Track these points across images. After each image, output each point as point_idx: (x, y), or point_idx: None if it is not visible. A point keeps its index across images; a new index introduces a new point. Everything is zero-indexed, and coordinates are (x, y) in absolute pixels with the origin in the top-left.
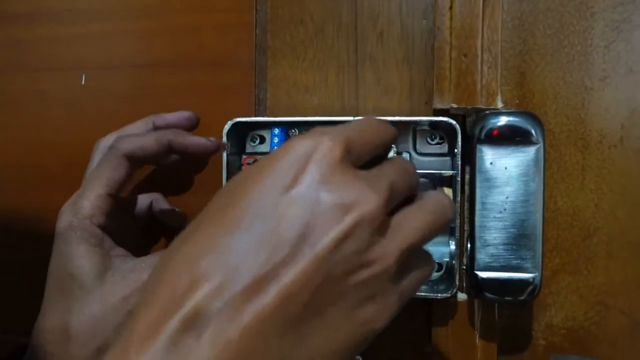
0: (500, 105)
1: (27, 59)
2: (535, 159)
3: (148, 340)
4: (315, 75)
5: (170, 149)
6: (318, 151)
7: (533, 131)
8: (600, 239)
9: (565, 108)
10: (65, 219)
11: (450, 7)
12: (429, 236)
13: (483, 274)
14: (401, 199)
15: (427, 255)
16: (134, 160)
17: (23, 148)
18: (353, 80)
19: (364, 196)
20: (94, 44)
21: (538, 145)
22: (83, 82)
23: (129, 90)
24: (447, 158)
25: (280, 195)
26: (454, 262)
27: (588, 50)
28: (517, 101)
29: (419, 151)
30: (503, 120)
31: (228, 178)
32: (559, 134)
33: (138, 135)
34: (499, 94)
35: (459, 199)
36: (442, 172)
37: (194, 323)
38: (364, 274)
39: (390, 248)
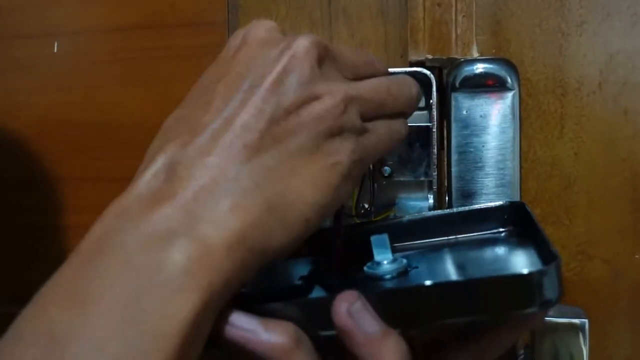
0: (475, 54)
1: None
2: (511, 106)
3: (134, 186)
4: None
5: None
6: (264, 24)
7: (508, 77)
8: (580, 188)
9: (543, 56)
10: None
11: None
12: (387, 101)
13: None
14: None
15: (401, 124)
16: None
17: None
18: (327, 35)
19: (299, 38)
20: (66, 9)
21: (513, 92)
22: (55, 50)
23: (103, 55)
24: (426, 112)
25: (229, 59)
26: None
27: None
28: (494, 50)
29: None
30: (477, 68)
31: None
32: (537, 82)
33: None
34: (475, 44)
35: (435, 150)
36: (419, 124)
37: (169, 167)
38: (316, 106)
39: (337, 87)
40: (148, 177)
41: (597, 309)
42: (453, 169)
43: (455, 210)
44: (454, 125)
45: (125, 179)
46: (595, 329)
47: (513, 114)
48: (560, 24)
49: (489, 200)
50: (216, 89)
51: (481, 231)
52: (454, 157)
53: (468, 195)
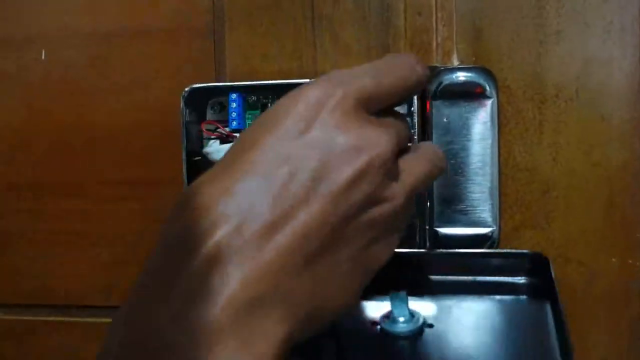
0: (456, 63)
1: None
2: (490, 113)
3: (173, 281)
4: (273, 40)
5: None
6: (331, 100)
7: (486, 85)
8: (559, 193)
9: (521, 64)
10: None
11: None
12: (428, 183)
13: (443, 230)
14: (402, 147)
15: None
16: None
17: None
18: (310, 43)
19: (376, 139)
20: (50, 14)
21: (492, 100)
22: (43, 57)
23: (89, 60)
24: (408, 119)
25: (294, 140)
26: (415, 220)
27: (542, 4)
28: (474, 58)
29: None
30: (456, 77)
31: (187, 146)
32: (516, 90)
33: None
34: (455, 52)
35: None
36: None
37: (215, 261)
38: (375, 212)
39: (399, 190)
40: (196, 266)
41: (574, 310)
42: None
43: (478, 251)
44: (434, 133)
45: (109, 182)
46: (572, 330)
47: (492, 121)
48: (538, 32)
49: (469, 205)
50: (279, 171)
51: (500, 275)
52: None
53: (449, 200)
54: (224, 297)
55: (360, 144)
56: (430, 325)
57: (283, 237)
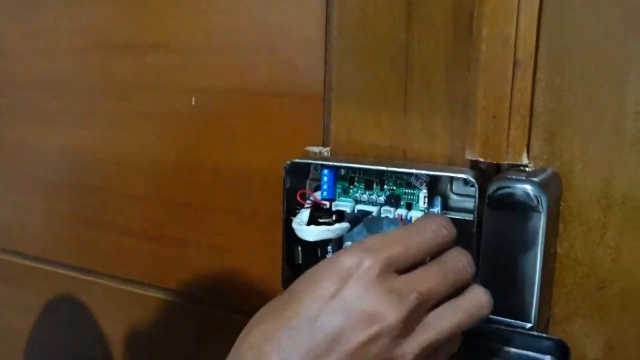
0: (525, 161)
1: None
2: (538, 227)
3: None
4: (372, 117)
5: None
6: (359, 269)
7: (536, 200)
8: (615, 292)
9: (592, 168)
10: None
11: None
12: (457, 332)
13: None
14: (440, 298)
15: (456, 340)
16: None
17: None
18: (402, 125)
19: (388, 311)
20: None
21: (541, 214)
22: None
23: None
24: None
25: (325, 301)
26: None
27: (620, 114)
28: (546, 156)
29: (455, 192)
30: (508, 188)
31: (287, 208)
32: (584, 191)
33: None
34: (525, 152)
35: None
36: (465, 217)
37: None
38: None
39: (410, 347)
40: None
41: None
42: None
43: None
44: (483, 235)
45: None
46: None
47: (540, 234)
48: (613, 140)
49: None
50: (310, 326)
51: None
52: (482, 259)
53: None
54: None
55: (375, 314)
56: None
57: None
